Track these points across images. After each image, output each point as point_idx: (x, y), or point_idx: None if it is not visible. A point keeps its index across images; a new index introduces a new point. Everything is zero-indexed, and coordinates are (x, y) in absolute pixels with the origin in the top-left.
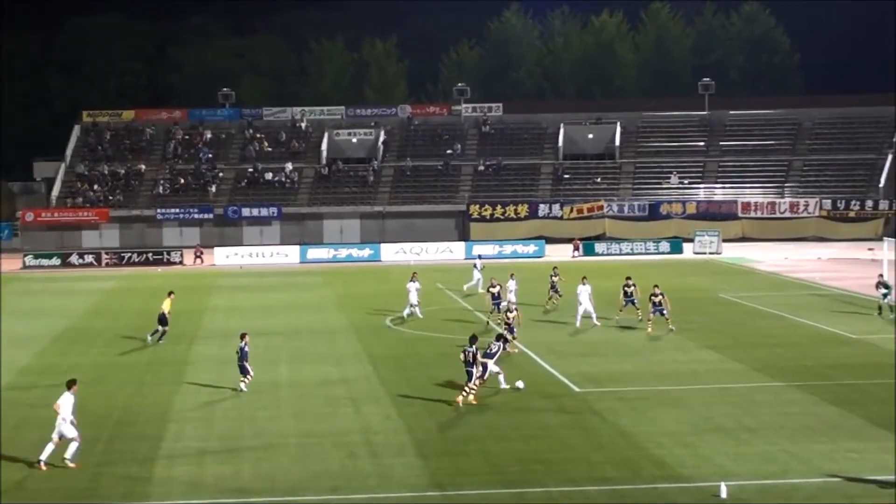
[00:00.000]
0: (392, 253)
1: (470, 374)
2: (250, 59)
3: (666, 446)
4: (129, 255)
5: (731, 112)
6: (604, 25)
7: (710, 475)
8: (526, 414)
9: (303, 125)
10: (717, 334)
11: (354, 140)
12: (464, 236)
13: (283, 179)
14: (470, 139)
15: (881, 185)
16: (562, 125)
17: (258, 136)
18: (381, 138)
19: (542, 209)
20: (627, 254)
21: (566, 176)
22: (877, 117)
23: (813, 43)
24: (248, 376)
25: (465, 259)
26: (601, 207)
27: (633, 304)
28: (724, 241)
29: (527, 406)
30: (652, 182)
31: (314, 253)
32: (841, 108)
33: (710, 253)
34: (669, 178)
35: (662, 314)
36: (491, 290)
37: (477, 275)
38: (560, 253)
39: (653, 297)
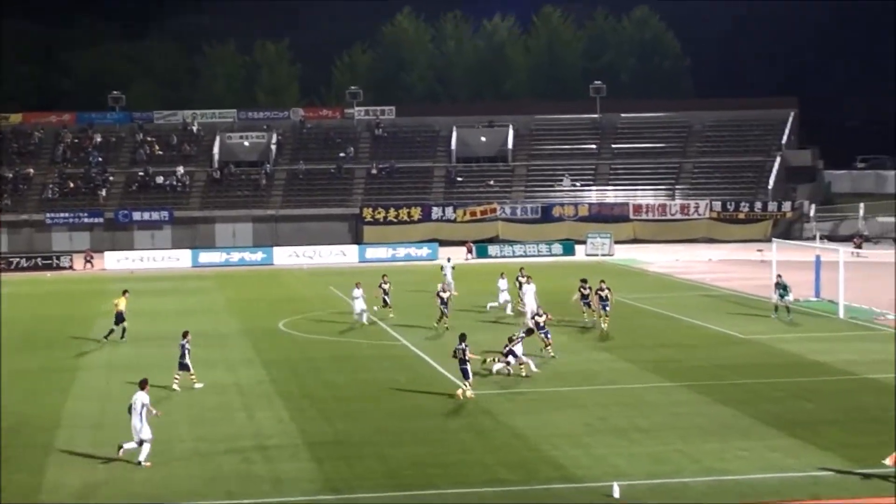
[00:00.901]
0: (285, 256)
1: (465, 372)
2: (141, 63)
3: (561, 447)
4: (18, 260)
5: (623, 115)
6: (495, 29)
7: (603, 475)
8: (421, 417)
9: (194, 128)
10: (610, 335)
11: (247, 143)
12: (357, 239)
13: (175, 183)
14: (363, 142)
15: (770, 186)
16: (454, 128)
17: (149, 139)
18: (274, 142)
19: (436, 212)
20: (520, 256)
21: (459, 179)
22: (765, 120)
23: (703, 47)
24: (191, 375)
25: (357, 263)
26: (494, 210)
27: (588, 305)
28: (616, 242)
29: (422, 409)
30: (544, 185)
31: (206, 257)
32: (730, 111)
33: (603, 255)
34: (562, 180)
35: (605, 310)
36: (441, 294)
37: (450, 277)
38: (453, 255)
39: (599, 293)
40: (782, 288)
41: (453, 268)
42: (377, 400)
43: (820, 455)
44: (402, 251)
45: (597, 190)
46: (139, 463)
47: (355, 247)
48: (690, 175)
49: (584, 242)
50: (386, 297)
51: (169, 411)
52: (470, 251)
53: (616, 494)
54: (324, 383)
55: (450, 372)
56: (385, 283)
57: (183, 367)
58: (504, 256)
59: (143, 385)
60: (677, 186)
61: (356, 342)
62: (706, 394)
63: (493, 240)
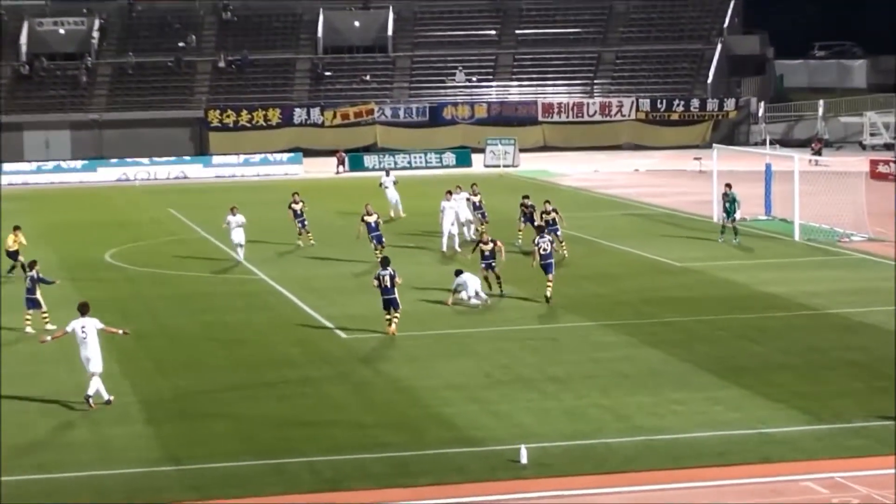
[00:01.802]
0: (112, 171)
1: (394, 302)
2: None
3: (454, 403)
4: None
5: None
6: None
7: (508, 437)
8: (282, 368)
9: None
10: (513, 265)
11: (62, 31)
12: (202, 149)
13: None
14: (207, 29)
15: (709, 81)
16: (321, 11)
17: None
18: (96, 28)
19: (299, 114)
20: (404, 167)
21: (327, 73)
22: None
23: None
24: (44, 313)
25: (203, 178)
26: (371, 112)
27: (532, 223)
28: (522, 150)
29: (284, 358)
30: (433, 80)
31: (13, 174)
32: None
33: (505, 165)
34: (454, 74)
35: (556, 235)
36: (366, 218)
37: (393, 195)
38: (321, 168)
39: (544, 215)
40: (730, 202)
41: (395, 182)
42: (227, 347)
43: (770, 408)
44: (257, 163)
45: (497, 86)
46: (108, 402)
47: (199, 158)
48: (612, 67)
49: (482, 150)
50: (303, 222)
51: None
52: (341, 162)
53: (524, 460)
54: (161, 328)
55: (319, 312)
56: (296, 201)
57: (33, 304)
58: (385, 169)
59: (85, 309)
60: (596, 81)
61: (201, 276)
62: (632, 334)
63: (371, 148)
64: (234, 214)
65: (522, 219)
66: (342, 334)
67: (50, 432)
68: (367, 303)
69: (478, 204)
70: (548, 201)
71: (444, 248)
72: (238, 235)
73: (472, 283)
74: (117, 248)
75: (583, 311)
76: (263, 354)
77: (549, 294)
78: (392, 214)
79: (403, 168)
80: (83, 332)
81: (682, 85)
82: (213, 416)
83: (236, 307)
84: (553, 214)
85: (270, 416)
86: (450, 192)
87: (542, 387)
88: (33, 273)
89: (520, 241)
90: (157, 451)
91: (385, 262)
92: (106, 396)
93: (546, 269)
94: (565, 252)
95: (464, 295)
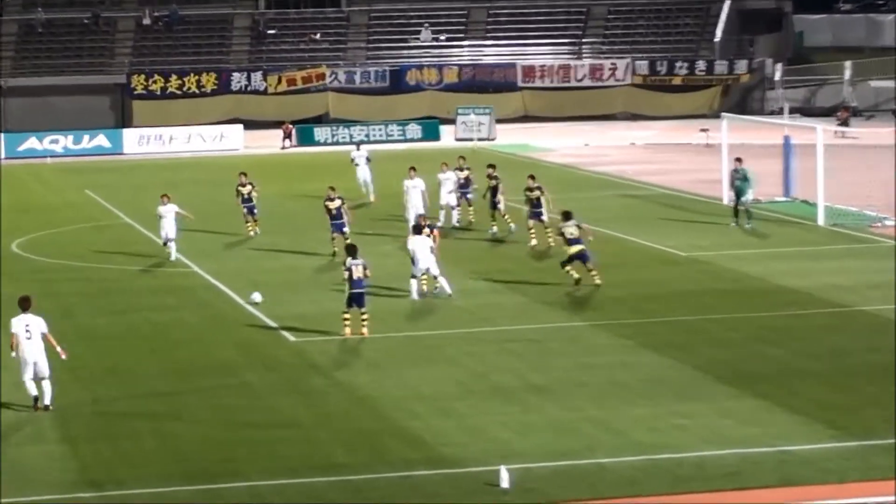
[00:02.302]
0: (18, 146)
1: (362, 298)
2: None
3: (422, 417)
4: None
5: None
6: None
7: (485, 456)
8: (218, 374)
9: None
10: (490, 256)
11: None
12: (124, 120)
13: None
14: None
15: (717, 39)
16: None
17: None
18: None
19: (238, 80)
20: (361, 141)
21: (271, 31)
22: None
23: None
24: None
25: (126, 155)
26: (322, 76)
27: (496, 206)
28: (499, 121)
29: (221, 363)
30: (394, 39)
31: None
32: None
33: (480, 139)
34: (419, 32)
35: (540, 219)
36: (329, 203)
37: (364, 173)
38: (264, 142)
39: (527, 193)
40: (741, 179)
41: (369, 159)
42: (155, 351)
43: (790, 422)
44: (187, 137)
45: (470, 46)
46: (47, 407)
47: (120, 131)
48: (604, 23)
49: (452, 122)
50: (252, 208)
51: None
52: (288, 135)
53: (504, 483)
54: (77, 329)
55: (263, 311)
56: (245, 184)
57: None
58: (338, 143)
59: (27, 304)
60: (585, 40)
61: (125, 270)
62: (630, 336)
63: (322, 119)
64: (164, 203)
65: (491, 195)
66: (290, 336)
67: None
68: (318, 300)
69: (463, 181)
70: (532, 176)
71: (442, 221)
72: (169, 228)
73: (422, 257)
74: (25, 237)
75: (571, 308)
76: (198, 360)
77: (599, 282)
78: (371, 198)
79: (361, 142)
80: (27, 332)
81: (685, 44)
82: (138, 433)
83: (166, 305)
84: (538, 193)
85: (206, 433)
86: (413, 169)
87: (524, 397)
88: None
89: (494, 225)
90: (73, 474)
91: (353, 251)
92: (48, 401)
93: (582, 257)
94: (551, 241)
95: (415, 272)
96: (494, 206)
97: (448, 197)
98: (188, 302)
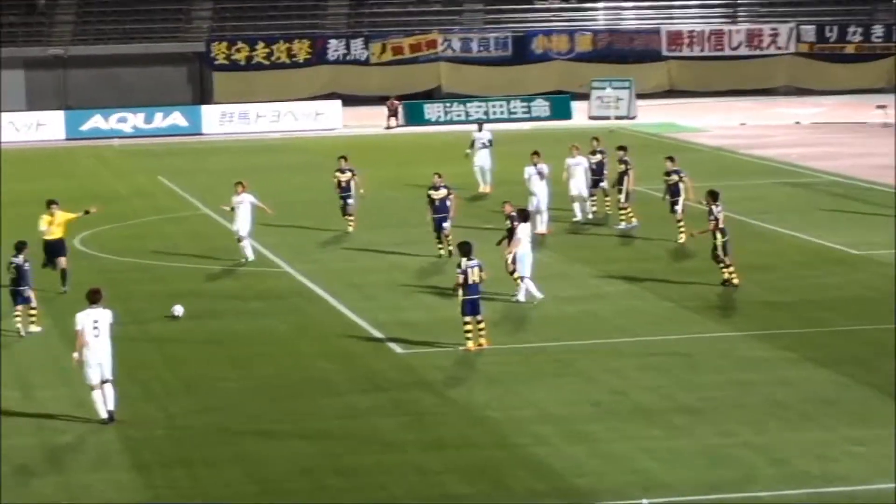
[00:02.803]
0: (82, 125)
1: (475, 306)
2: None
3: (550, 441)
4: None
5: None
6: None
7: (624, 488)
8: (315, 393)
9: None
10: (633, 253)
11: None
12: (203, 95)
13: None
14: None
15: None
16: None
17: None
18: None
19: (335, 48)
20: (480, 120)
21: None
22: None
23: None
24: (32, 309)
25: (205, 135)
26: (433, 44)
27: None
28: (640, 96)
29: (316, 380)
30: (518, 0)
31: None
32: None
33: (618, 117)
34: None
35: (673, 210)
36: (433, 193)
37: (484, 159)
38: (366, 120)
39: (665, 178)
40: None
41: (491, 142)
42: (240, 365)
43: None
44: (275, 115)
45: (606, 8)
46: (111, 414)
47: (199, 108)
48: None
49: (586, 97)
50: (348, 199)
51: None
52: (394, 113)
53: None
54: (149, 337)
55: (366, 318)
56: (344, 170)
57: (21, 299)
58: (451, 122)
59: (97, 297)
60: (741, 1)
61: (203, 269)
62: (793, 349)
63: (433, 94)
64: (239, 193)
65: (619, 183)
66: (396, 348)
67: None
68: (429, 306)
69: (595, 167)
70: (670, 158)
71: (578, 215)
72: (243, 222)
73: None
74: (89, 231)
75: (725, 315)
76: (290, 375)
77: (737, 281)
78: (482, 188)
79: (478, 121)
80: (95, 327)
81: (859, 5)
82: (219, 459)
83: (252, 311)
84: (675, 178)
85: (299, 459)
86: (536, 154)
87: (671, 419)
88: (19, 260)
89: (622, 219)
90: None
91: (467, 250)
92: (112, 407)
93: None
94: (682, 238)
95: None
96: (627, 196)
97: (579, 186)
98: (277, 308)
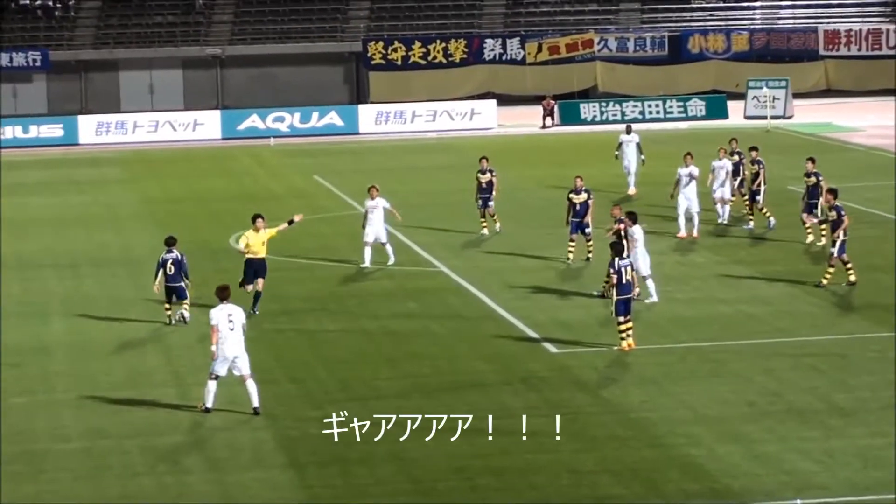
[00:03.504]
0: (238, 124)
1: (626, 307)
2: None
3: (705, 442)
4: None
5: None
6: None
7: (779, 489)
8: (469, 392)
9: None
10: (787, 254)
11: None
12: (359, 95)
13: (51, 4)
14: None
15: None
16: None
17: None
18: None
19: (491, 48)
20: (635, 120)
21: None
22: None
23: None
24: (185, 303)
25: (361, 134)
26: (590, 44)
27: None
28: (797, 95)
29: (470, 379)
30: None
31: (107, 127)
32: None
33: (774, 117)
34: None
35: (812, 212)
36: (574, 196)
37: (631, 160)
38: (522, 120)
39: (805, 180)
40: None
41: (639, 145)
42: (394, 364)
43: None
44: (432, 114)
45: (763, 7)
46: (257, 410)
47: (355, 108)
48: None
49: (741, 97)
50: (488, 201)
51: (43, 387)
52: (549, 113)
53: None
54: (304, 337)
55: (521, 318)
56: (485, 171)
57: (175, 293)
58: (607, 122)
59: (226, 294)
60: None
61: (359, 269)
62: None
63: (589, 93)
64: (373, 198)
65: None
66: (551, 348)
67: (153, 480)
68: (585, 305)
69: (734, 169)
70: (811, 159)
71: (724, 218)
72: (379, 227)
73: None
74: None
75: (878, 316)
76: (443, 375)
77: (854, 278)
78: (630, 190)
79: (634, 121)
80: (230, 322)
81: None
82: (374, 458)
83: (406, 311)
84: (813, 180)
85: (452, 459)
86: (689, 155)
87: (826, 421)
88: (175, 254)
89: (751, 222)
90: (303, 500)
91: (619, 249)
92: (256, 403)
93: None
94: (810, 236)
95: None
96: (753, 197)
97: (721, 189)
98: (431, 307)
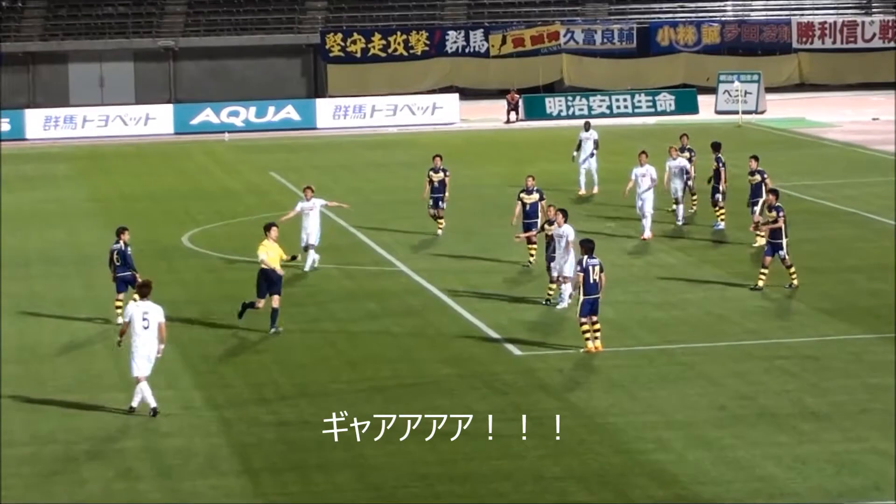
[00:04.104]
0: (191, 119)
1: (595, 305)
2: None
3: (673, 448)
4: None
5: None
6: None
7: (750, 496)
8: (430, 396)
9: None
10: (758, 254)
11: None
12: (316, 88)
13: None
14: None
15: None
16: None
17: None
18: None
19: (454, 40)
20: (603, 115)
21: None
22: None
23: None
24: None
25: (319, 130)
26: (556, 36)
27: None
28: (769, 90)
29: (432, 382)
30: None
31: (55, 122)
32: None
33: (746, 112)
34: None
35: (752, 209)
36: (525, 196)
37: (591, 161)
38: (485, 114)
39: (749, 179)
40: None
41: (597, 142)
42: (353, 367)
43: None
44: (392, 108)
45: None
46: (155, 410)
47: (313, 102)
48: None
49: (713, 91)
50: (440, 201)
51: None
52: (514, 107)
53: None
54: (260, 338)
55: (483, 319)
56: (438, 170)
57: (123, 285)
58: (573, 116)
59: (146, 291)
60: None
61: (321, 269)
62: None
63: (554, 87)
64: (308, 198)
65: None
66: (515, 350)
67: (102, 487)
68: (548, 307)
69: (686, 168)
70: (755, 157)
71: (680, 218)
72: (313, 229)
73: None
74: (198, 228)
75: (854, 317)
76: (405, 378)
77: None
78: (583, 190)
79: (601, 115)
80: (144, 320)
81: None
82: (332, 464)
83: (365, 312)
84: (757, 178)
85: (414, 465)
86: (644, 154)
87: (799, 425)
88: (119, 245)
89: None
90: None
91: (590, 247)
92: (153, 403)
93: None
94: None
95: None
96: (713, 195)
97: (677, 188)
98: (392, 308)
